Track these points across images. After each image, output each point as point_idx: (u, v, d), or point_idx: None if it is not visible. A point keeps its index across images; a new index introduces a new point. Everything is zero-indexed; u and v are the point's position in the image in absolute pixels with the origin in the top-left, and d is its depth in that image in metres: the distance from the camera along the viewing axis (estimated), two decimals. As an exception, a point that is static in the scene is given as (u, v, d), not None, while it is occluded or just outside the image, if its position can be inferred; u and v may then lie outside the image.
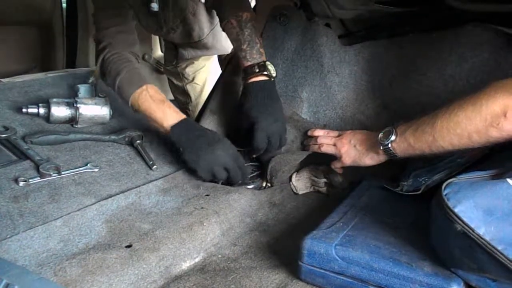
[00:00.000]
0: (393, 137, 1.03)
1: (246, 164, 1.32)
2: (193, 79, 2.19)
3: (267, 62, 1.31)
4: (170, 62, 2.21)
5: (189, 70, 2.17)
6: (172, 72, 2.24)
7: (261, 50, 1.32)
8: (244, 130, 1.31)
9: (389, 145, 1.04)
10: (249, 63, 1.30)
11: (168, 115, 1.28)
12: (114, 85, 1.35)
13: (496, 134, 0.85)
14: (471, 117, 0.87)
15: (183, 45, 2.07)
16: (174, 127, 1.26)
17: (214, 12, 1.82)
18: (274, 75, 1.31)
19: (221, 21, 1.42)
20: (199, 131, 1.27)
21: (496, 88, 0.85)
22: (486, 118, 0.85)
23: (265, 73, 1.29)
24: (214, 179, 1.27)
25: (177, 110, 1.32)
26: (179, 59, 2.14)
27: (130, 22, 1.45)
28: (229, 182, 1.28)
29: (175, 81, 2.26)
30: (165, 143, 1.45)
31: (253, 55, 1.31)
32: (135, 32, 1.48)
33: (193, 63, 2.14)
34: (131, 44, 1.43)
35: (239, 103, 1.35)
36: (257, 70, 1.29)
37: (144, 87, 1.31)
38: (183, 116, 1.30)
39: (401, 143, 1.02)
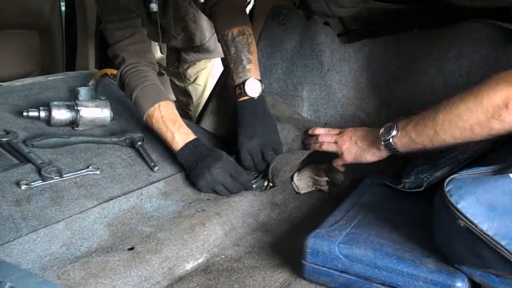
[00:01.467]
0: (394, 132, 1.03)
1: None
2: (195, 80, 2.18)
3: (249, 80, 1.31)
4: (172, 63, 2.20)
5: (191, 71, 2.16)
6: (174, 73, 2.23)
7: (248, 66, 1.33)
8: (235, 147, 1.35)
9: (390, 140, 1.04)
10: (235, 83, 1.34)
11: (176, 138, 1.30)
12: (131, 99, 1.39)
13: (498, 126, 0.84)
14: (472, 109, 0.86)
15: (184, 49, 2.06)
16: (181, 150, 1.30)
17: None
18: (255, 94, 1.32)
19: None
20: (202, 153, 1.29)
21: (497, 79, 0.84)
22: (488, 110, 0.84)
23: (242, 94, 1.32)
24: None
25: (187, 130, 1.33)
26: (181, 61, 2.14)
27: (140, 30, 1.45)
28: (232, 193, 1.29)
29: (176, 82, 2.25)
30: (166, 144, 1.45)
31: (239, 74, 1.34)
32: (147, 39, 1.49)
33: (195, 64, 2.13)
34: (144, 52, 1.44)
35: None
36: (239, 91, 1.33)
37: (157, 105, 1.33)
38: (191, 138, 1.31)
39: (402, 137, 1.02)
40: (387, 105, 1.34)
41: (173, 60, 2.17)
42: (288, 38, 1.52)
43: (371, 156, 1.13)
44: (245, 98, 1.33)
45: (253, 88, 1.32)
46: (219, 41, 1.40)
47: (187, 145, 1.29)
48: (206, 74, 2.18)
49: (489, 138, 0.90)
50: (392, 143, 1.04)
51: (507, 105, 0.82)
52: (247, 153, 1.31)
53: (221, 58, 2.22)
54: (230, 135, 1.51)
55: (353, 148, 1.17)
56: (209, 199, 1.23)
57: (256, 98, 1.32)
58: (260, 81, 1.34)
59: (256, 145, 1.30)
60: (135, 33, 1.42)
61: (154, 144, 1.43)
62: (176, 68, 2.18)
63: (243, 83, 1.32)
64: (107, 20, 1.43)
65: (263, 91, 1.34)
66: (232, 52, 1.34)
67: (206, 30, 1.95)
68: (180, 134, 1.31)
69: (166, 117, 1.32)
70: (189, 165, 1.29)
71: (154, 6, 1.24)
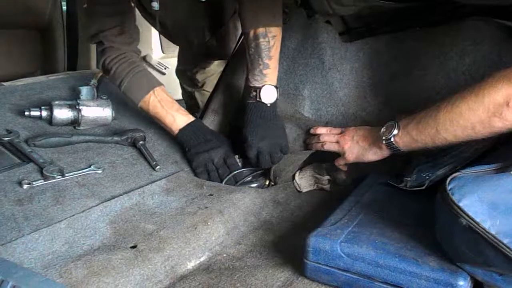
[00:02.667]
0: (395, 131, 1.03)
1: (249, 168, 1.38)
2: (202, 85, 2.11)
3: (266, 87, 1.31)
4: (181, 64, 2.16)
5: (199, 76, 2.09)
6: (183, 76, 2.18)
7: (265, 71, 1.31)
8: (239, 146, 1.37)
9: (392, 139, 1.04)
10: (249, 85, 1.34)
11: (177, 119, 1.37)
12: (119, 87, 1.40)
13: (499, 124, 0.84)
14: (473, 107, 0.86)
15: (185, 48, 2.02)
16: (182, 130, 1.36)
17: (218, 15, 1.79)
18: (270, 101, 1.32)
19: None
20: (205, 136, 1.36)
21: (498, 77, 0.84)
22: (489, 108, 0.84)
23: (258, 99, 1.31)
24: (209, 176, 1.34)
25: (186, 112, 1.39)
26: (188, 63, 2.08)
27: (128, 16, 1.41)
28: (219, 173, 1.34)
29: (184, 85, 2.21)
30: (168, 143, 1.45)
31: (254, 77, 1.32)
32: (134, 26, 1.45)
33: (203, 68, 2.07)
34: (131, 42, 1.43)
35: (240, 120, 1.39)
36: (254, 93, 1.32)
37: (152, 92, 1.37)
38: (192, 119, 1.38)
39: (403, 136, 1.02)
40: (389, 103, 1.33)
41: (182, 61, 2.13)
42: (289, 36, 1.51)
43: (373, 155, 1.13)
44: (258, 100, 1.32)
45: (268, 95, 1.32)
46: (243, 34, 1.39)
47: (188, 125, 1.36)
48: (215, 80, 2.11)
49: (491, 137, 0.90)
50: (394, 142, 1.04)
51: (508, 103, 0.82)
52: (255, 154, 1.31)
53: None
54: (232, 134, 1.51)
55: (355, 148, 1.17)
56: (211, 195, 1.23)
57: (268, 105, 1.32)
58: (276, 87, 1.33)
59: (265, 147, 1.31)
60: (123, 22, 1.38)
61: (156, 143, 1.44)
62: (184, 71, 2.13)
63: (260, 88, 1.31)
64: (94, 1, 1.36)
65: (277, 98, 1.34)
66: (251, 52, 1.32)
67: (204, 29, 1.87)
68: (180, 116, 1.37)
69: (163, 102, 1.37)
70: (190, 144, 1.35)
71: (155, 5, 1.23)
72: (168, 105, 1.37)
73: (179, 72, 2.19)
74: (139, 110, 1.52)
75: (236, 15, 1.76)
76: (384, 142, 1.06)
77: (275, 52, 1.33)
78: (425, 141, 0.97)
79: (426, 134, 0.96)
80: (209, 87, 2.08)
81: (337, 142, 1.22)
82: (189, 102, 2.23)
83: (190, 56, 2.04)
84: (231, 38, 1.83)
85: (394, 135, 1.03)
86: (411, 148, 1.02)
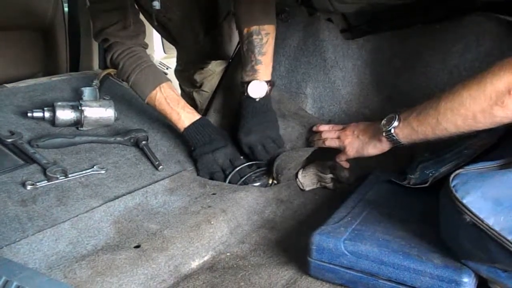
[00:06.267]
0: (396, 123, 1.02)
1: (252, 162, 1.38)
2: (200, 85, 2.10)
3: (253, 82, 1.34)
4: (179, 65, 2.16)
5: (197, 77, 2.08)
6: (181, 76, 2.19)
7: (257, 67, 1.34)
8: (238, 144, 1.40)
9: (392, 131, 1.02)
10: (242, 80, 1.37)
11: (182, 117, 1.36)
12: (128, 82, 1.41)
13: (501, 113, 0.83)
14: (475, 96, 0.84)
15: (182, 47, 2.01)
16: (188, 128, 1.36)
17: (213, 16, 1.79)
18: (256, 96, 1.35)
19: None
20: (210, 135, 1.36)
21: (501, 66, 0.83)
22: (491, 96, 0.82)
23: (245, 94, 1.35)
24: (214, 178, 1.34)
25: (192, 110, 1.39)
26: (185, 63, 2.08)
27: (129, 11, 1.41)
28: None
29: (183, 86, 2.21)
30: (170, 143, 1.45)
31: (246, 73, 1.36)
32: (137, 19, 1.45)
33: (201, 69, 2.05)
34: (136, 35, 1.43)
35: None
36: (242, 89, 1.36)
37: (158, 88, 1.37)
38: (197, 117, 1.38)
39: (404, 128, 1.01)
40: (391, 101, 1.33)
41: (180, 62, 2.13)
42: (291, 35, 1.52)
43: (373, 149, 1.12)
44: (246, 96, 1.35)
45: (255, 90, 1.34)
46: (238, 33, 1.42)
47: (194, 123, 1.35)
48: (214, 80, 2.10)
49: (494, 134, 0.89)
50: (394, 134, 1.03)
51: (510, 92, 0.80)
52: (247, 148, 1.34)
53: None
54: (234, 132, 1.51)
55: (355, 142, 1.17)
56: (214, 194, 1.23)
57: (257, 100, 1.35)
58: (267, 82, 1.35)
59: (254, 139, 1.33)
60: (126, 17, 1.38)
61: (159, 143, 1.44)
62: (182, 72, 2.13)
63: (248, 83, 1.34)
64: (95, 1, 1.39)
65: (268, 92, 1.35)
66: (244, 49, 1.36)
67: (198, 29, 1.84)
68: (186, 114, 1.37)
69: (169, 98, 1.37)
70: (195, 143, 1.35)
71: (156, 4, 1.22)
72: (174, 102, 1.37)
73: (178, 72, 2.19)
74: (142, 109, 1.53)
75: (230, 16, 1.78)
76: (384, 135, 1.05)
77: (268, 48, 1.35)
78: (426, 132, 0.95)
79: (426, 124, 0.94)
80: (207, 87, 2.09)
81: (338, 137, 1.22)
82: (188, 103, 2.21)
83: (187, 56, 2.04)
84: (226, 39, 1.86)
85: (394, 127, 1.02)
86: (411, 140, 1.01)
